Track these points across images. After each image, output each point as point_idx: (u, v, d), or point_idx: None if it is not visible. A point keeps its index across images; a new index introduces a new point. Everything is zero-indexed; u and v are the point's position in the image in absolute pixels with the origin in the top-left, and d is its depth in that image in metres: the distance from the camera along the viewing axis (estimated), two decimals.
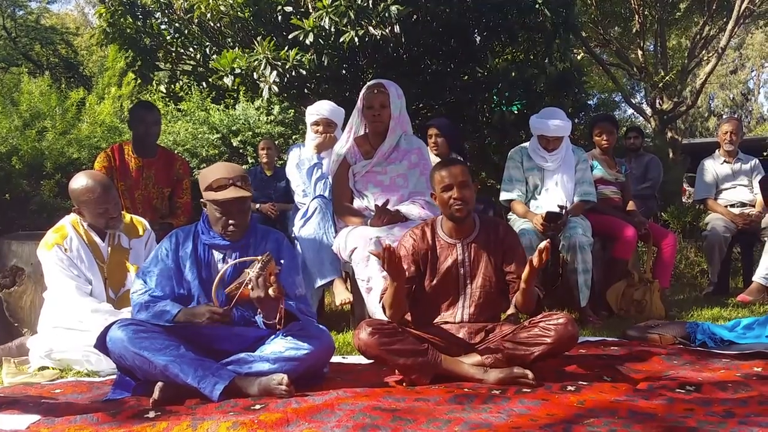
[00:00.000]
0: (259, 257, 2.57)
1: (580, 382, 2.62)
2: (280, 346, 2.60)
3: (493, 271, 2.86)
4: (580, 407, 2.28)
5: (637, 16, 13.50)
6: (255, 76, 5.65)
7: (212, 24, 6.32)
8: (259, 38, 5.78)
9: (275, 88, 5.54)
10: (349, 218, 3.79)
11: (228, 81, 5.84)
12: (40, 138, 5.44)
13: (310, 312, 2.87)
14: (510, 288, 2.87)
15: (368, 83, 3.85)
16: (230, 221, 2.73)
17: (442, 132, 4.65)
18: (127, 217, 3.37)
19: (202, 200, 2.80)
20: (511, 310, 3.91)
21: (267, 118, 5.83)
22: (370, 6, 5.35)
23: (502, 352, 2.69)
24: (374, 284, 3.44)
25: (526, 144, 4.48)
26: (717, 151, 5.56)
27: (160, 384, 2.41)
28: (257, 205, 4.61)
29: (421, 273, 2.86)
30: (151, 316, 2.66)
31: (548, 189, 4.32)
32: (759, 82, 32.05)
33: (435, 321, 2.88)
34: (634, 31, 14.03)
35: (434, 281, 2.86)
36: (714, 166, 5.47)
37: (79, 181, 3.13)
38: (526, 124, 4.62)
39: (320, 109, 4.38)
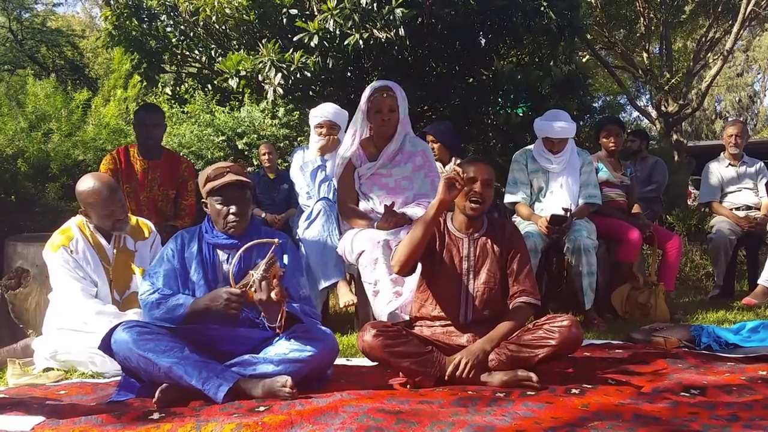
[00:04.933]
0: (266, 259, 2.58)
1: (585, 385, 2.61)
2: (284, 348, 2.60)
3: (498, 268, 2.87)
4: (584, 410, 2.28)
5: (642, 19, 13.48)
6: (260, 78, 5.66)
7: (217, 26, 6.34)
8: (264, 41, 5.79)
9: (280, 91, 5.55)
10: (355, 220, 3.79)
11: (233, 83, 5.86)
12: (45, 140, 5.46)
13: (314, 314, 2.87)
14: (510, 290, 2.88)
15: (373, 85, 3.82)
16: (230, 211, 2.74)
17: (437, 138, 4.68)
18: (133, 219, 3.38)
19: (203, 201, 2.82)
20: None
21: (272, 121, 5.84)
22: (375, 9, 5.36)
23: (507, 354, 2.69)
24: (381, 287, 3.43)
25: (531, 146, 4.48)
26: (722, 154, 5.55)
27: (162, 386, 2.41)
28: (263, 214, 4.61)
29: (430, 248, 2.87)
30: (164, 312, 2.66)
31: (553, 191, 4.31)
32: (765, 84, 31.97)
33: (439, 315, 2.88)
34: (639, 33, 14.01)
35: (439, 273, 2.87)
36: (719, 169, 5.46)
37: (86, 183, 3.14)
38: (531, 126, 4.62)
39: (324, 111, 4.39)
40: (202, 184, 2.80)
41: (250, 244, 2.68)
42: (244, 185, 2.78)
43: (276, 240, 2.63)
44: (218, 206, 2.75)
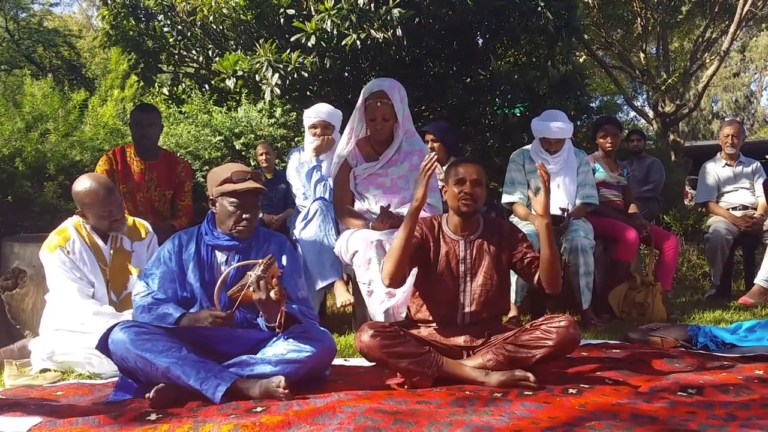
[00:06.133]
0: (261, 260, 2.58)
1: (582, 385, 2.62)
2: (281, 348, 2.60)
3: (495, 269, 2.87)
4: (581, 410, 2.28)
5: (639, 19, 13.52)
6: (257, 78, 5.65)
7: (215, 26, 6.33)
8: (261, 41, 5.79)
9: (277, 91, 5.55)
10: (350, 220, 3.78)
11: (230, 83, 5.84)
12: (42, 140, 5.45)
13: (312, 314, 2.87)
14: (530, 269, 2.89)
15: (370, 87, 3.78)
16: (244, 215, 2.74)
17: (437, 137, 4.66)
18: (130, 219, 3.37)
19: (211, 198, 2.80)
20: (512, 313, 3.94)
21: (269, 121, 5.83)
22: (372, 9, 5.35)
23: (504, 354, 2.69)
24: (375, 287, 3.42)
25: (528, 146, 4.48)
26: (718, 153, 5.56)
27: (158, 386, 2.41)
28: (261, 214, 4.61)
29: (424, 254, 2.86)
30: (153, 319, 2.66)
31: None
32: (762, 84, 32.05)
33: (436, 319, 2.88)
34: (636, 33, 14.04)
35: (435, 276, 2.87)
36: (715, 169, 5.47)
37: (83, 184, 3.14)
38: (528, 126, 4.62)
39: (317, 111, 4.38)
40: (217, 183, 2.77)
41: (239, 264, 2.69)
42: (260, 192, 2.78)
43: (260, 261, 2.59)
44: (231, 208, 2.74)
